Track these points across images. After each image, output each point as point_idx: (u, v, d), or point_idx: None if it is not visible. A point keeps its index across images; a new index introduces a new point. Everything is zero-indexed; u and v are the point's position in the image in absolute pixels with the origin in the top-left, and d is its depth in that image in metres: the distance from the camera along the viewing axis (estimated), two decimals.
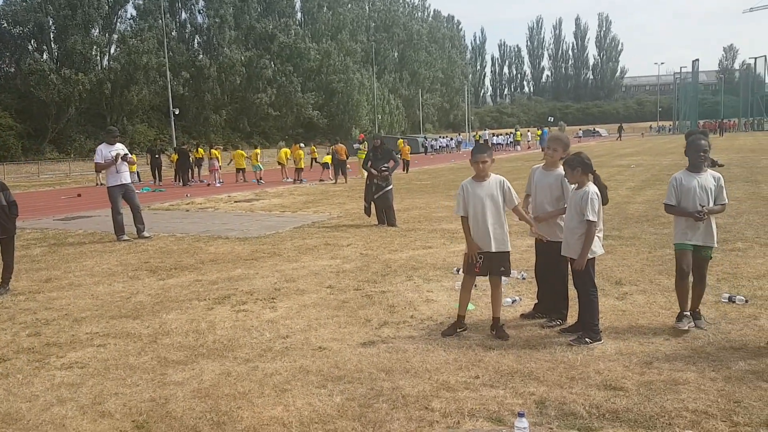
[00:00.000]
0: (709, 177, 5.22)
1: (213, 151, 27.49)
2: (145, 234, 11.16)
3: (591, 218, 4.93)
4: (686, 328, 5.13)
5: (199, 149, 29.52)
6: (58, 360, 5.03)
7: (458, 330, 5.30)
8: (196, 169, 28.03)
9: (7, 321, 6.20)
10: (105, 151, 11.22)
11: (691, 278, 5.28)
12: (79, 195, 22.19)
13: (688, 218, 5.19)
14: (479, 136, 56.90)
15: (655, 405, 3.85)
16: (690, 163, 5.26)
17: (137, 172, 28.27)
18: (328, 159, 26.06)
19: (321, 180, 24.90)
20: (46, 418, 3.94)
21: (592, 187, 5.03)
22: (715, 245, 5.34)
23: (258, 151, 26.87)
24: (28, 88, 47.88)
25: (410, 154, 32.74)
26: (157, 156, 27.70)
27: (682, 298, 5.32)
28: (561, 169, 5.42)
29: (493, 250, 5.17)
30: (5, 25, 52.27)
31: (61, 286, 7.68)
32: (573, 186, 5.15)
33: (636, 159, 30.80)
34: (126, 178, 11.39)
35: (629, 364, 4.52)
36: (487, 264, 5.22)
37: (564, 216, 5.35)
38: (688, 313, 5.30)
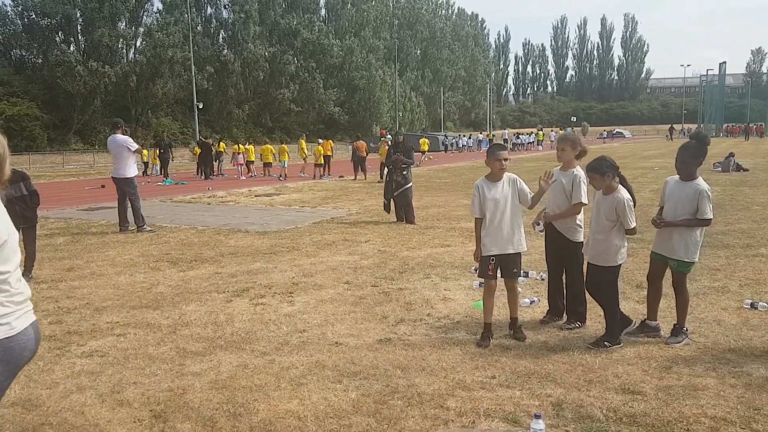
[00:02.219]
0: (692, 187, 4.91)
1: (240, 145, 27.64)
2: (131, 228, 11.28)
3: (632, 225, 4.89)
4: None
5: (221, 143, 29.45)
6: (79, 348, 5.10)
7: (490, 339, 5.10)
8: (216, 163, 28.08)
9: None
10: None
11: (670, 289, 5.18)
12: (102, 186, 22.44)
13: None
14: (492, 136, 55.98)
15: (674, 410, 3.80)
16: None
17: (145, 163, 28.55)
18: (319, 155, 25.78)
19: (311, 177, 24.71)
20: (65, 405, 4.00)
21: (624, 194, 4.89)
22: (680, 258, 4.95)
23: (285, 147, 26.63)
24: (55, 79, 48.56)
25: (430, 152, 33.03)
26: (162, 150, 26.81)
27: (647, 305, 5.29)
28: (575, 169, 5.37)
29: (511, 252, 5.12)
30: (33, 16, 53.05)
31: (83, 275, 7.79)
32: (599, 191, 5.04)
33: (660, 161, 30.42)
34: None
35: (648, 369, 4.48)
36: (502, 266, 5.14)
37: (577, 216, 5.33)
38: (649, 322, 5.21)
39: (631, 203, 4.90)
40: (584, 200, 5.30)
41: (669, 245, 4.99)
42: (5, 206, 8.19)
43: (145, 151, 28.31)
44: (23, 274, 7.34)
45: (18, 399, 4.10)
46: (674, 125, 77.14)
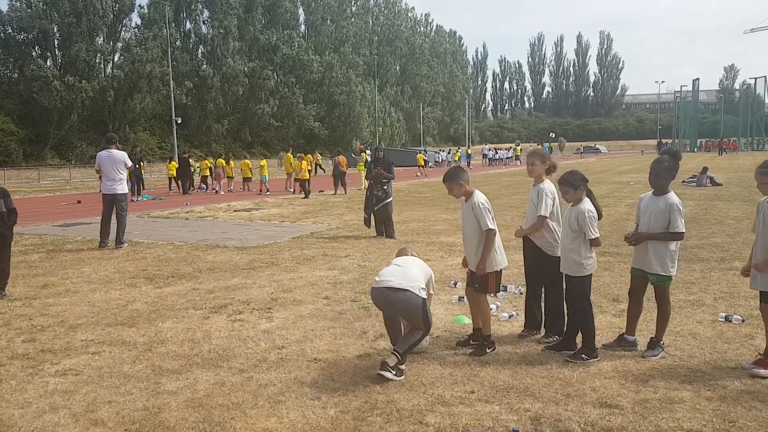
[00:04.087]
0: (664, 201, 4.97)
1: (219, 160, 27.47)
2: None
3: (594, 235, 4.99)
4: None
5: (191, 161, 28.59)
6: (53, 367, 5.00)
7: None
8: (194, 179, 27.90)
9: (2, 326, 6.18)
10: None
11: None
12: (78, 201, 22.19)
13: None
14: (459, 156, 55.66)
15: (650, 423, 3.83)
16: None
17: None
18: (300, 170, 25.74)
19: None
20: (38, 426, 3.92)
21: (587, 205, 5.04)
22: (657, 272, 4.99)
23: (264, 162, 26.56)
24: (31, 94, 48.08)
25: (409, 167, 33.88)
26: (137, 166, 26.09)
27: (626, 320, 5.35)
28: (542, 183, 5.45)
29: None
30: (10, 31, 52.63)
31: (58, 292, 7.67)
32: (569, 204, 5.15)
33: (635, 176, 30.86)
34: None
35: (625, 382, 4.51)
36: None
37: (555, 230, 5.41)
38: (627, 336, 5.26)
39: (593, 214, 5.01)
40: (545, 213, 5.36)
41: (646, 260, 5.06)
42: None
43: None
44: None
45: None
46: (663, 139, 78.34)
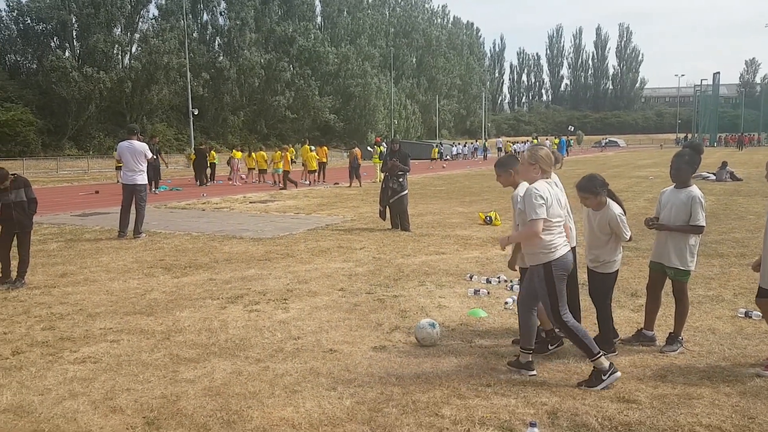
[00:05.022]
0: (685, 194, 4.95)
1: (235, 152, 27.60)
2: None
3: (628, 236, 4.93)
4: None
5: (212, 153, 29.05)
6: (72, 354, 5.06)
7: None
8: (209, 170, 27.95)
9: (22, 314, 6.26)
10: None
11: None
12: (96, 192, 22.40)
13: (657, 234, 5.12)
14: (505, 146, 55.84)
15: (669, 419, 3.80)
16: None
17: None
18: (312, 160, 25.89)
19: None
20: (57, 412, 3.97)
21: (616, 209, 4.91)
22: (676, 267, 4.96)
23: (279, 154, 26.52)
24: (50, 84, 48.43)
25: (425, 160, 33.95)
26: (155, 157, 25.30)
27: (645, 315, 5.29)
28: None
29: None
30: (28, 21, 52.99)
31: (77, 281, 7.75)
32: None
33: (654, 170, 30.56)
34: None
35: (643, 377, 4.48)
36: None
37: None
38: (646, 332, 5.21)
39: (623, 216, 4.93)
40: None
41: (665, 254, 5.02)
42: (2, 210, 8.13)
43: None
44: (15, 280, 7.35)
45: (10, 405, 4.06)
46: (687, 134, 77.45)
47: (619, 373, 4.31)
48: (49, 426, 3.77)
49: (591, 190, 4.90)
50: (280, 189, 22.47)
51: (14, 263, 7.56)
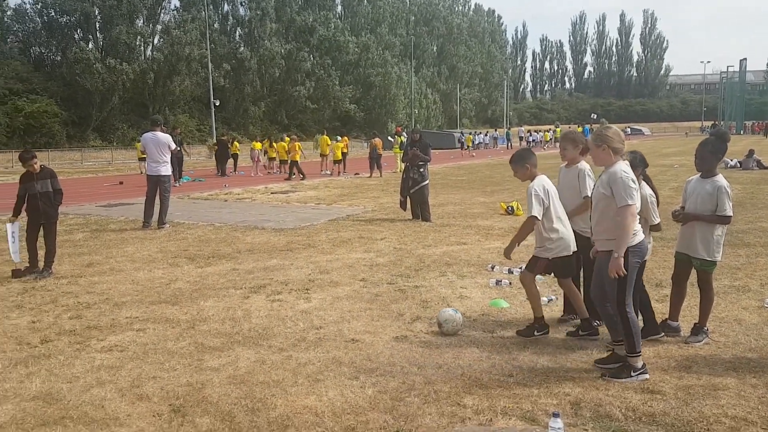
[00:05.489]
0: (711, 184, 4.87)
1: (255, 143, 27.76)
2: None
3: (656, 221, 4.91)
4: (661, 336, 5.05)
5: (235, 143, 29.27)
6: (99, 343, 5.16)
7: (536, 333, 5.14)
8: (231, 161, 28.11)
9: (50, 303, 6.38)
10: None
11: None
12: (121, 183, 22.68)
13: (683, 224, 5.05)
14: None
15: (693, 410, 3.77)
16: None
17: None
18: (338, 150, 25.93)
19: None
20: (85, 399, 4.05)
21: (647, 190, 4.91)
22: (702, 257, 4.89)
23: (299, 145, 26.55)
24: (74, 76, 49.05)
25: (445, 150, 34.27)
26: (178, 148, 24.58)
27: (669, 305, 5.24)
28: (579, 164, 5.33)
29: None
30: (52, 14, 53.69)
31: (103, 271, 7.87)
32: None
33: (679, 159, 30.12)
34: None
35: (667, 368, 4.44)
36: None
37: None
38: (671, 322, 5.16)
39: (654, 199, 4.89)
40: (590, 194, 5.24)
41: (691, 244, 4.96)
42: (28, 200, 8.24)
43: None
44: (43, 270, 7.49)
45: (39, 393, 4.15)
46: (714, 121, 76.33)
47: (648, 376, 4.25)
48: (78, 413, 3.85)
49: (631, 163, 4.81)
50: (285, 179, 22.77)
51: (41, 253, 7.71)
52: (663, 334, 5.08)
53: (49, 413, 3.85)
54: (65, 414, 3.84)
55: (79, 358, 4.81)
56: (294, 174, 22.99)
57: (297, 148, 23.23)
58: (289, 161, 23.61)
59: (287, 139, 25.81)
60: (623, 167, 4.24)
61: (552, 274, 5.43)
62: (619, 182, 4.16)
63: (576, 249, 5.10)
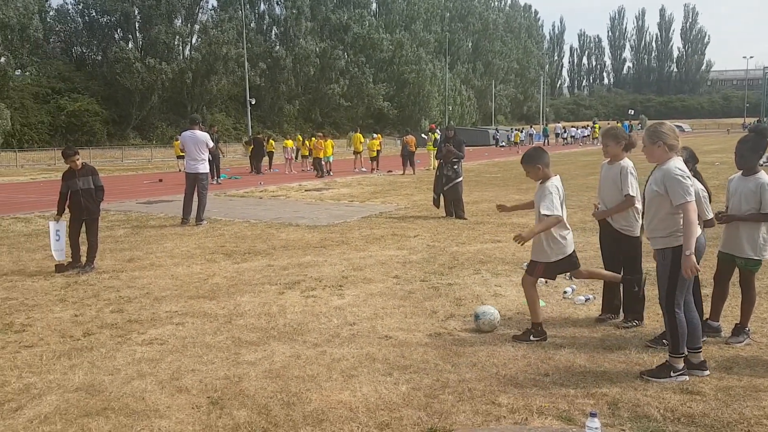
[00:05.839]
0: (753, 181, 4.77)
1: (287, 141, 28.05)
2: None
3: (709, 216, 4.82)
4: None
5: (271, 141, 29.60)
6: (139, 336, 5.28)
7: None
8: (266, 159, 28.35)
9: (92, 297, 6.55)
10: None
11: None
12: (160, 180, 23.12)
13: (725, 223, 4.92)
14: (519, 137, 54.48)
15: (734, 411, 3.69)
16: None
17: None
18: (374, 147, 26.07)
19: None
20: (126, 391, 4.15)
21: (698, 184, 4.81)
22: (749, 257, 4.80)
23: (331, 142, 26.67)
24: (114, 75, 50.07)
25: (479, 146, 34.18)
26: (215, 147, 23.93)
27: (711, 305, 5.12)
28: (622, 161, 5.25)
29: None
30: (93, 14, 54.90)
31: (143, 266, 8.05)
32: None
33: (720, 156, 29.39)
34: None
35: (707, 369, 4.34)
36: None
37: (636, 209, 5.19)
38: (711, 322, 5.05)
39: (706, 194, 4.83)
40: (633, 193, 5.16)
41: (736, 243, 4.86)
42: (70, 197, 8.45)
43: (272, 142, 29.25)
44: (85, 265, 7.68)
45: (82, 384, 4.27)
46: (757, 118, 74.57)
47: (688, 377, 4.17)
48: (119, 404, 3.95)
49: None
50: (318, 176, 23.01)
51: (83, 249, 7.92)
52: (704, 338, 4.97)
53: (92, 404, 3.96)
54: (107, 405, 3.94)
55: (121, 350, 4.94)
56: (317, 170, 23.48)
57: (321, 146, 23.57)
58: (313, 158, 24.10)
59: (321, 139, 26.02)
60: (677, 164, 4.16)
61: (554, 279, 5.42)
62: (673, 180, 4.07)
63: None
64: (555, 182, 4.98)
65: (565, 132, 58.14)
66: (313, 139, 25.29)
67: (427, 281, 6.97)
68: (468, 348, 4.84)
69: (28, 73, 47.97)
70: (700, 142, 48.07)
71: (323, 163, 24.81)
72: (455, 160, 11.96)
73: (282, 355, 4.76)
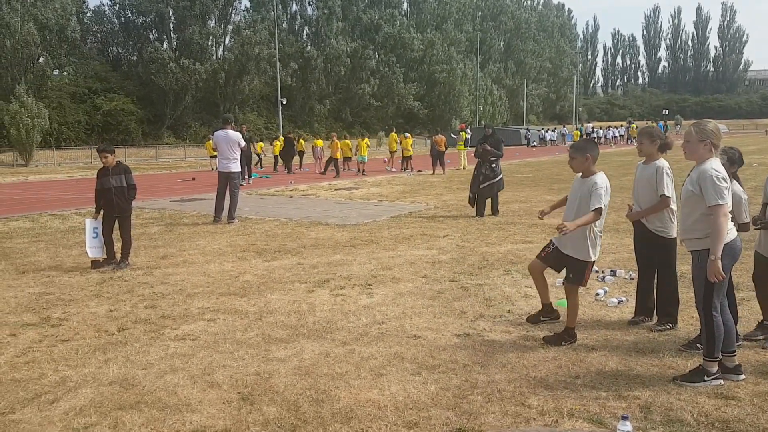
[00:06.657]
0: None
1: (317, 140, 28.29)
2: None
3: (746, 220, 4.78)
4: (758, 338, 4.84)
5: (301, 141, 29.93)
6: (172, 332, 5.36)
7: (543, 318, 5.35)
8: (297, 158, 28.55)
9: (127, 293, 6.68)
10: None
11: None
12: (193, 179, 23.46)
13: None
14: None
15: None
16: None
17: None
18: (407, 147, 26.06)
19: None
20: (159, 385, 4.22)
21: (736, 187, 4.73)
22: None
23: (367, 141, 26.71)
24: (149, 75, 50.89)
25: (510, 146, 34.09)
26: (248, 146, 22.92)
27: (760, 307, 5.03)
28: (657, 161, 5.15)
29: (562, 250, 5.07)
30: (129, 15, 55.86)
31: (176, 263, 8.18)
32: None
33: (758, 157, 28.68)
34: None
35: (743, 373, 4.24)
36: (557, 260, 5.16)
37: (671, 208, 5.11)
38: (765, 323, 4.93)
39: (746, 196, 4.78)
40: (669, 193, 5.06)
41: None
42: (104, 194, 8.66)
43: (260, 144, 29.41)
44: (120, 261, 7.84)
45: (116, 378, 4.36)
46: None
47: (722, 381, 4.08)
48: (152, 398, 4.02)
49: (731, 159, 4.81)
50: (334, 176, 23.18)
51: (118, 245, 8.07)
52: (740, 342, 4.86)
53: (126, 398, 4.04)
54: (140, 399, 4.01)
55: (154, 345, 5.02)
56: (332, 169, 23.81)
57: (338, 146, 23.85)
58: (333, 158, 24.30)
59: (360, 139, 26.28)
60: (714, 165, 4.06)
61: (559, 272, 5.41)
62: (708, 181, 3.99)
63: None
64: (605, 179, 4.92)
65: (593, 132, 57.38)
66: (366, 140, 25.66)
67: (456, 281, 6.94)
68: (497, 349, 4.81)
69: (65, 73, 49.05)
70: (737, 143, 46.88)
71: (358, 163, 24.97)
72: (493, 158, 11.91)
73: (311, 352, 4.79)
